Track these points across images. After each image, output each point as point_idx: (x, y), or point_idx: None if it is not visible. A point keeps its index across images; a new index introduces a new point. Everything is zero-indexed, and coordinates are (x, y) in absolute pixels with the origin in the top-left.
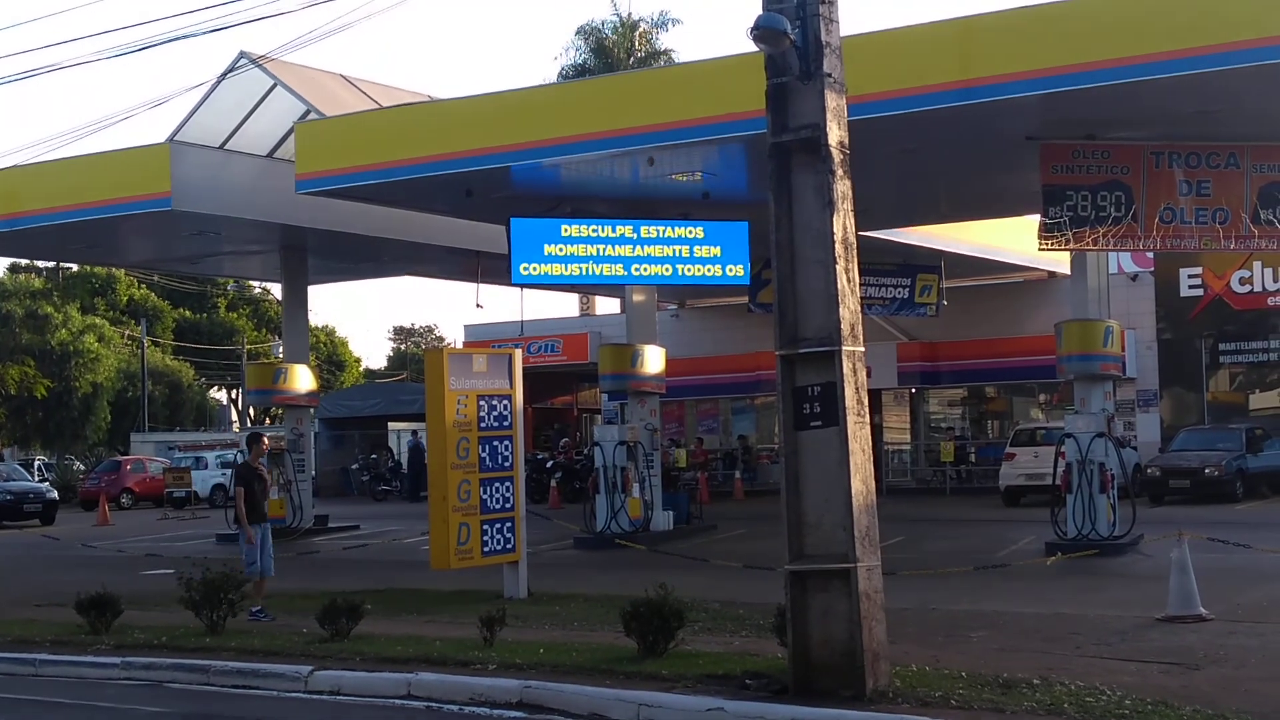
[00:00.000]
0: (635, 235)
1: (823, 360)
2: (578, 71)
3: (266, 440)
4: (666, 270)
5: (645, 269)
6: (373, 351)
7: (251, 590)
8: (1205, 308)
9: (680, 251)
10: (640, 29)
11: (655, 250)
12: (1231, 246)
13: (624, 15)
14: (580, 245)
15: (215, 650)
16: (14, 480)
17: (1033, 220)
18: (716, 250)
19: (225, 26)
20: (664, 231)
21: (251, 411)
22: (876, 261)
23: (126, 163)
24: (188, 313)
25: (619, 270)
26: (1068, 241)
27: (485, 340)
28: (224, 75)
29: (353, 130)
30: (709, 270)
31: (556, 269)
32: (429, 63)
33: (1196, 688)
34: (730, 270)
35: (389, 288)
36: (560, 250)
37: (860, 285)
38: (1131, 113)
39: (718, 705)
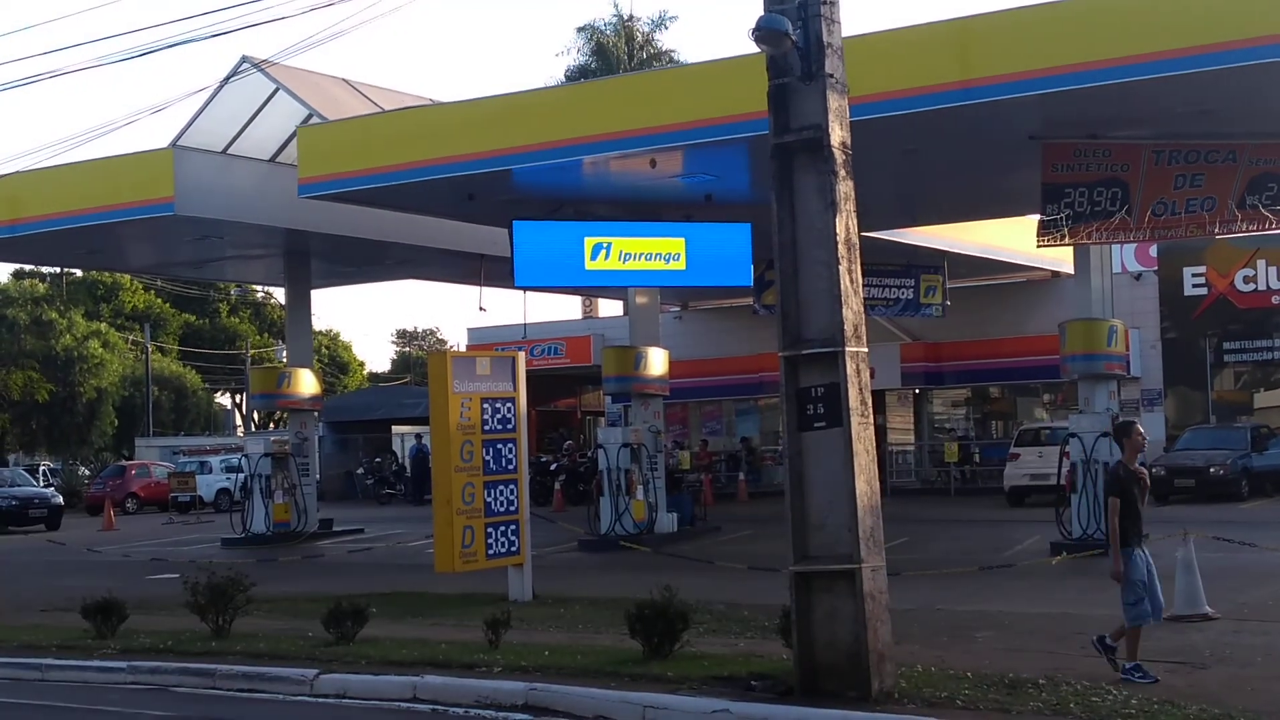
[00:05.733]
0: (638, 237)
1: (826, 361)
2: (579, 73)
3: (1141, 432)
4: (670, 271)
5: (648, 270)
6: (376, 355)
7: (1128, 640)
8: (1209, 307)
9: (683, 253)
10: (639, 31)
11: (658, 251)
12: (1215, 232)
13: (623, 16)
14: (583, 248)
15: (221, 654)
16: (19, 486)
17: (1036, 219)
18: (720, 252)
19: (226, 31)
20: (667, 233)
21: (256, 416)
22: (880, 262)
23: (130, 168)
24: (192, 318)
25: (622, 272)
26: (1064, 237)
27: (488, 343)
28: (226, 80)
29: (355, 134)
30: (712, 272)
31: (559, 271)
32: (431, 66)
33: (1203, 687)
34: (733, 272)
35: (392, 291)
36: (563, 252)
37: (864, 286)
38: (1132, 112)
39: (723, 707)
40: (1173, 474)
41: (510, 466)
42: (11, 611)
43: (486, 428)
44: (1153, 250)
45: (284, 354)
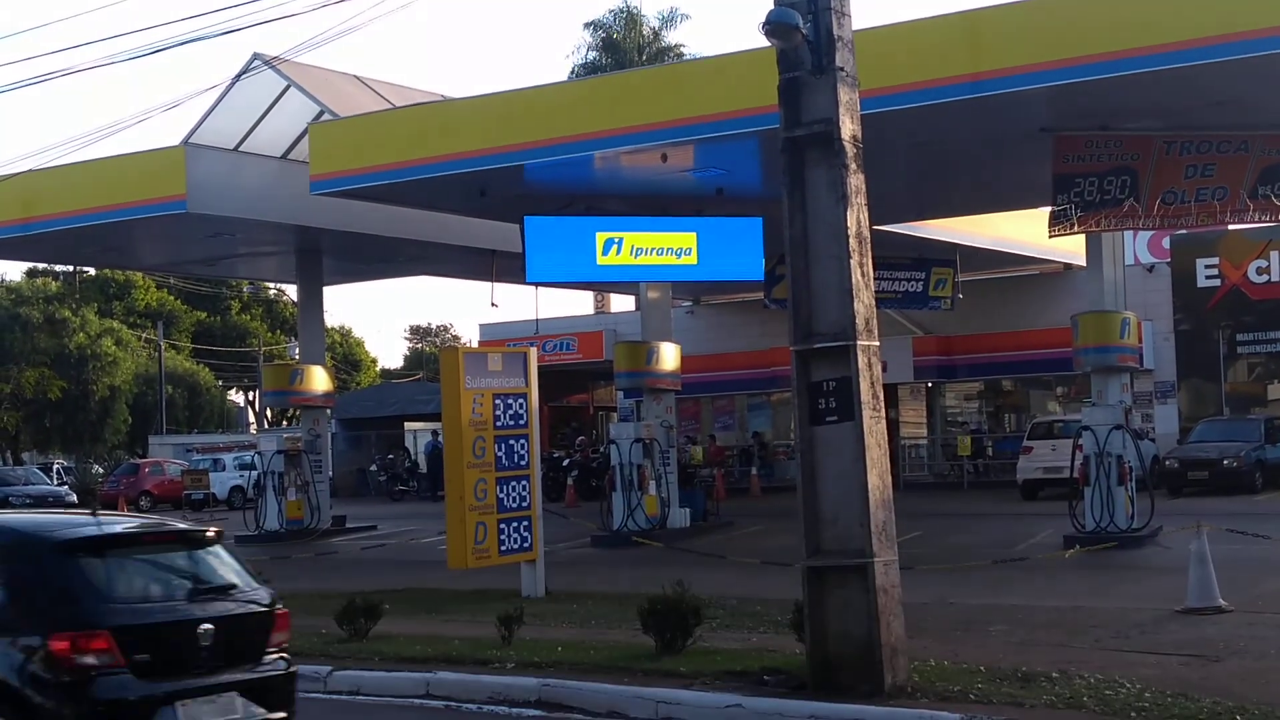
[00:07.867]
0: (649, 232)
1: (838, 355)
2: (589, 70)
3: None
4: (681, 266)
5: (660, 265)
6: (389, 351)
7: None
8: (1222, 298)
9: (695, 248)
10: (647, 26)
11: (670, 246)
12: (1226, 221)
13: (632, 9)
14: (594, 243)
15: None
16: (33, 484)
17: (1047, 211)
18: (731, 246)
19: (238, 29)
20: (678, 228)
21: (269, 413)
22: (891, 255)
23: (141, 166)
24: (204, 315)
25: (634, 267)
26: (1073, 226)
27: (500, 339)
28: (238, 77)
29: (366, 131)
30: (723, 266)
31: (571, 267)
32: (442, 62)
33: (1217, 679)
34: (745, 266)
35: (404, 288)
36: (575, 248)
37: (874, 279)
38: (1144, 103)
39: (736, 702)
40: (1186, 466)
41: (523, 462)
42: None
43: (499, 423)
44: (1165, 242)
45: (296, 351)
